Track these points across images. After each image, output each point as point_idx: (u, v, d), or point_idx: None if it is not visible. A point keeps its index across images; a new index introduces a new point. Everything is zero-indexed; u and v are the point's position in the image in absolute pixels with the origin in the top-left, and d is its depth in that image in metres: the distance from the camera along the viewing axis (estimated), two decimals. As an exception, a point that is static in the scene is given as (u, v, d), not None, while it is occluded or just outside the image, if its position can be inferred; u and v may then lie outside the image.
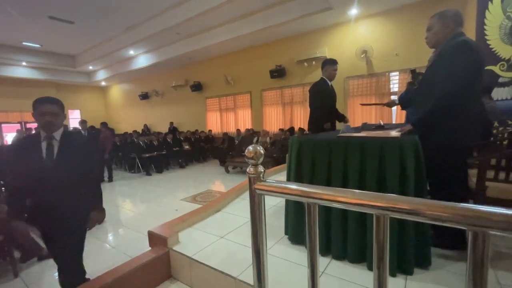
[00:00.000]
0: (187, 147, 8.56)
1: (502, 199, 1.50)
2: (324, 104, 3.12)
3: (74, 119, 12.76)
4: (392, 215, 0.51)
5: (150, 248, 2.04)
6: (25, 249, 2.58)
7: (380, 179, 1.45)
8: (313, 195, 0.59)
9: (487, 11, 3.99)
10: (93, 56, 9.53)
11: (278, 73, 7.44)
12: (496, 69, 3.95)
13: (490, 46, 3.97)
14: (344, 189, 0.59)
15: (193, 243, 1.98)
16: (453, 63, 1.48)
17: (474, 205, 0.42)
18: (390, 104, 2.46)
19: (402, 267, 1.45)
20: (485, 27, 4.02)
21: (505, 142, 2.22)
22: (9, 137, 11.41)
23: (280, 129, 7.57)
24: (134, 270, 1.75)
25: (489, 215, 0.40)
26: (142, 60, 9.46)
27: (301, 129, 6.94)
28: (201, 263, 1.72)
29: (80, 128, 6.26)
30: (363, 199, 0.54)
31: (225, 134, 8.83)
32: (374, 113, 6.26)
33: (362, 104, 5.23)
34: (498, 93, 3.93)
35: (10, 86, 10.44)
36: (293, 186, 0.67)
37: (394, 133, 1.70)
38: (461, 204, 0.44)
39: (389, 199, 0.53)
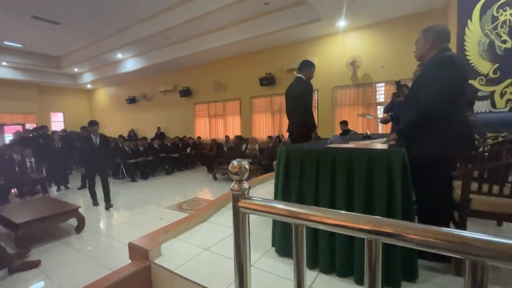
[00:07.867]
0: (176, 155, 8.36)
1: (486, 212, 1.52)
2: (310, 107, 2.71)
3: (56, 122, 12.30)
4: (383, 240, 0.49)
5: (130, 261, 1.94)
6: None
7: (367, 192, 1.44)
8: (301, 215, 0.56)
9: (466, 28, 4.18)
10: (79, 58, 9.25)
11: (267, 81, 7.48)
12: (475, 83, 4.13)
13: (470, 61, 4.15)
14: (332, 210, 0.56)
15: (176, 256, 1.89)
16: (434, 76, 1.52)
17: (474, 233, 0.40)
18: (383, 121, 2.56)
19: (389, 280, 1.43)
20: (465, 43, 4.21)
21: (486, 154, 2.28)
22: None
23: (269, 137, 7.57)
24: (112, 285, 1.65)
25: (489, 244, 0.38)
26: (130, 63, 9.29)
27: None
28: (183, 277, 1.64)
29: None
30: (351, 221, 0.51)
31: (214, 140, 8.74)
32: (361, 122, 6.38)
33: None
34: (477, 107, 4.10)
35: (-11, 86, 9.96)
36: (280, 205, 0.63)
37: (380, 145, 1.71)
38: (461, 231, 0.42)
39: (376, 222, 0.50)
